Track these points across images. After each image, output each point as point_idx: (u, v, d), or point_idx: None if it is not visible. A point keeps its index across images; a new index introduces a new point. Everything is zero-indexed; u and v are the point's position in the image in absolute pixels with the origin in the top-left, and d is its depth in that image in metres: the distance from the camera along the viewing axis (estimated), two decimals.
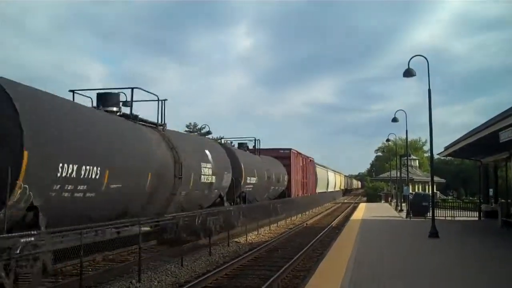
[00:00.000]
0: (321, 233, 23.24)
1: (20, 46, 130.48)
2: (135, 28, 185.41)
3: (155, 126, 16.22)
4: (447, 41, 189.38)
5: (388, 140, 51.82)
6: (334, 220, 33.85)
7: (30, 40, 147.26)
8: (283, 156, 35.43)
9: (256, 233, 23.44)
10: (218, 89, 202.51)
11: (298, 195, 38.76)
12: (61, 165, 9.69)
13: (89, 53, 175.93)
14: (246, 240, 20.97)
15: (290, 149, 36.73)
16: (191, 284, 11.28)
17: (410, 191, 38.80)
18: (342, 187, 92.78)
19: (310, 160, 46.89)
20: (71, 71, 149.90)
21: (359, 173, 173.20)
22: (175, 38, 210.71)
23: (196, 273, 13.29)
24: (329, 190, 66.03)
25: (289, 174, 35.10)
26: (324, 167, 63.59)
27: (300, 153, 40.50)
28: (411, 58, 20.19)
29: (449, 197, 63.89)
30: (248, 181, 24.86)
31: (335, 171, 79.75)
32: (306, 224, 30.87)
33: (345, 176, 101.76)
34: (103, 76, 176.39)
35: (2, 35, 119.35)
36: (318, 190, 53.15)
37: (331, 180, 68.89)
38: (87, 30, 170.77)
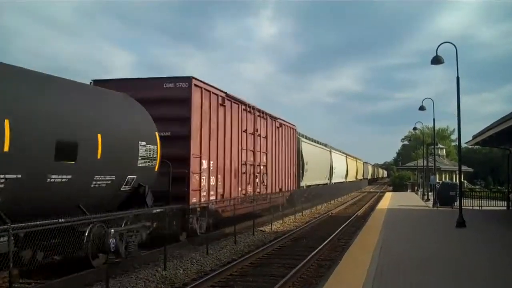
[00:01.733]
0: (346, 223, 23.10)
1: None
2: (159, 15, 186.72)
3: None
4: (474, 27, 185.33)
5: (415, 128, 51.09)
6: (360, 209, 33.65)
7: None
8: (168, 98, 15.08)
9: (281, 221, 23.47)
10: (242, 76, 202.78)
11: (222, 194, 17.69)
12: None
13: (113, 41, 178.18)
14: (271, 228, 21.00)
15: (190, 78, 15.24)
16: (216, 272, 11.35)
17: (437, 180, 38.28)
18: (360, 177, 77.20)
19: (281, 125, 26.19)
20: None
21: (385, 162, 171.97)
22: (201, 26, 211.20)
23: (221, 262, 13.38)
24: (334, 181, 45.78)
25: (184, 141, 15.00)
26: (326, 145, 44.63)
27: (233, 98, 19.00)
28: (439, 45, 19.73)
29: (477, 187, 62.77)
30: None
31: (348, 155, 60.94)
32: (331, 213, 30.72)
33: (364, 162, 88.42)
34: (128, 63, 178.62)
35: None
36: (308, 182, 33.64)
37: (339, 167, 49.45)
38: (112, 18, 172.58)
